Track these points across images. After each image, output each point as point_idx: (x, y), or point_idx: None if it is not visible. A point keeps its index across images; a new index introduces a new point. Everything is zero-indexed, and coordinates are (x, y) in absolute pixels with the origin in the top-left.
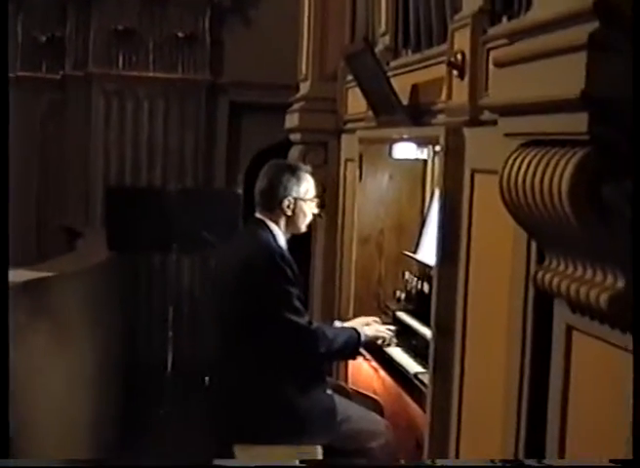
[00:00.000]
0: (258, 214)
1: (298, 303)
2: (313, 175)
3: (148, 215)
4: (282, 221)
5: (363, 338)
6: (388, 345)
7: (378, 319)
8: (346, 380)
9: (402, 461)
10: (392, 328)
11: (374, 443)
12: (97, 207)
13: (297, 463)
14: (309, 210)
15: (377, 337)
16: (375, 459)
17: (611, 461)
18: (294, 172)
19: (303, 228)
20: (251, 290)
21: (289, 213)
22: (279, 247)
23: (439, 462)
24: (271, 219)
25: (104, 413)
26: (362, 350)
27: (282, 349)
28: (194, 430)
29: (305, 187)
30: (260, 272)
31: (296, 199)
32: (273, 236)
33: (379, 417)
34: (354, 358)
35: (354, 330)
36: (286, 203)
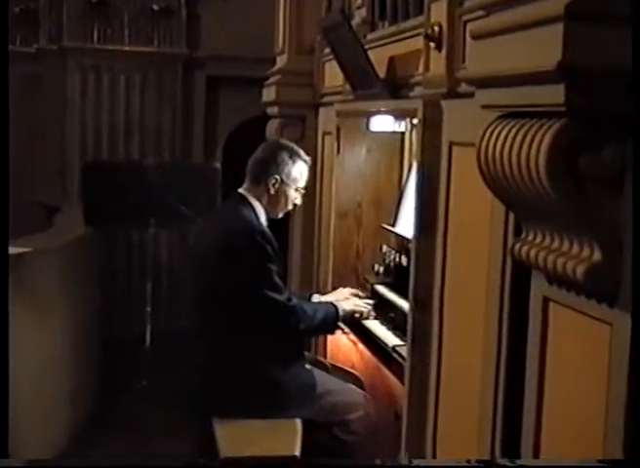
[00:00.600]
0: (241, 190)
1: (277, 280)
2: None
3: (125, 190)
4: (264, 199)
5: (341, 313)
6: (367, 318)
7: (357, 291)
8: (325, 354)
9: (382, 463)
10: (370, 301)
11: (353, 415)
12: (74, 182)
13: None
14: (292, 197)
15: (355, 311)
16: (355, 431)
17: (600, 461)
18: (292, 155)
19: (280, 214)
20: (230, 266)
21: (272, 191)
22: (260, 224)
23: (415, 462)
24: (254, 196)
25: (83, 388)
26: (341, 324)
27: (261, 325)
28: (173, 404)
29: (297, 174)
30: (239, 249)
31: (283, 180)
32: (255, 213)
33: (357, 390)
34: (333, 332)
35: (332, 304)
36: (272, 180)
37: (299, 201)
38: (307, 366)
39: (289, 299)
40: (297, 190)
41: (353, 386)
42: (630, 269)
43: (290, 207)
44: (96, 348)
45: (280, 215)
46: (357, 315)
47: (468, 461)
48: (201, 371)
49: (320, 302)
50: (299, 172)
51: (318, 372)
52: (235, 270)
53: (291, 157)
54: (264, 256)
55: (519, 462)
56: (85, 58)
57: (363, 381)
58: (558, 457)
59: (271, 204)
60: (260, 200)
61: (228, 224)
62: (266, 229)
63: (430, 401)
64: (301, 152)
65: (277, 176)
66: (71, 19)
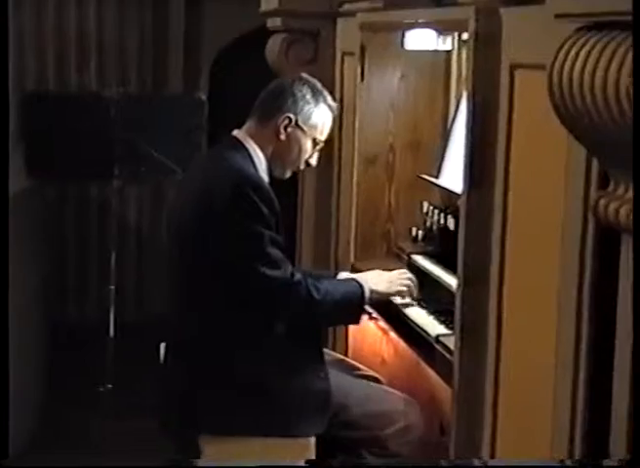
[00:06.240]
0: (237, 133)
1: (273, 250)
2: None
3: (80, 131)
4: (269, 146)
5: (368, 294)
6: (408, 305)
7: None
8: (346, 346)
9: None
10: (411, 276)
11: (389, 429)
12: (10, 121)
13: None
14: (306, 150)
15: (390, 293)
16: (392, 451)
17: None
18: (316, 93)
19: (287, 172)
20: (213, 231)
21: (282, 136)
22: (256, 174)
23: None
24: (257, 141)
25: (23, 392)
26: (367, 308)
27: (253, 312)
28: (144, 414)
29: (318, 120)
30: (223, 207)
31: (298, 122)
32: (251, 160)
33: (395, 394)
34: (357, 321)
35: (356, 281)
36: (285, 119)
37: (314, 160)
38: (321, 365)
39: (291, 275)
40: (314, 143)
41: (389, 389)
42: None
43: (301, 164)
44: (42, 339)
45: (287, 174)
46: (397, 298)
47: (562, 461)
48: (181, 372)
49: (339, 280)
50: (321, 118)
51: (336, 374)
52: (218, 237)
53: (314, 95)
54: (255, 217)
55: None
56: None
57: (385, 384)
58: None
59: (279, 154)
60: (262, 147)
61: (213, 176)
62: (263, 181)
63: (486, 408)
64: (328, 95)
65: (292, 116)
66: None
